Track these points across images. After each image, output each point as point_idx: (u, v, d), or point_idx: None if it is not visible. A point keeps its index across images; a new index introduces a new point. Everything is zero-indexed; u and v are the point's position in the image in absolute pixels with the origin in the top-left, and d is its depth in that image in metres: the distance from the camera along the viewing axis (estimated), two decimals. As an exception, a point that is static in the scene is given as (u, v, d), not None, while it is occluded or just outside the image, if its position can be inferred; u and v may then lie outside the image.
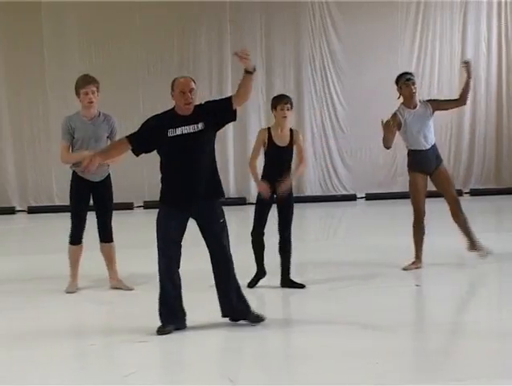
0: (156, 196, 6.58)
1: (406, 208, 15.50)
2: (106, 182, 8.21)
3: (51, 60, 15.84)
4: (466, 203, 16.46)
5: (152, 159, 6.82)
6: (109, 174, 8.25)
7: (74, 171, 8.05)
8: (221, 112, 6.50)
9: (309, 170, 16.80)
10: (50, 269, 8.71)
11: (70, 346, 6.21)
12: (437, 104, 9.05)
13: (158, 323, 6.42)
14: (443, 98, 10.07)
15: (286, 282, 8.13)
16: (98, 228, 8.19)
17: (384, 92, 16.45)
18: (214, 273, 6.59)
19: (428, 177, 9.06)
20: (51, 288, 8.21)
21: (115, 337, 6.34)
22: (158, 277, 6.48)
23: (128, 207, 15.49)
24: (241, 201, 16.22)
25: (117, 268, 8.27)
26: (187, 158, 6.36)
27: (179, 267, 6.50)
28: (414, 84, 8.92)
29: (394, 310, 7.06)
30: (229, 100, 6.51)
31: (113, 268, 8.26)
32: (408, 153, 9.07)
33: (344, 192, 16.75)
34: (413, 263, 8.95)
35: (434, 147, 8.99)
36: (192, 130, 6.36)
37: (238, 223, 12.99)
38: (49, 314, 7.39)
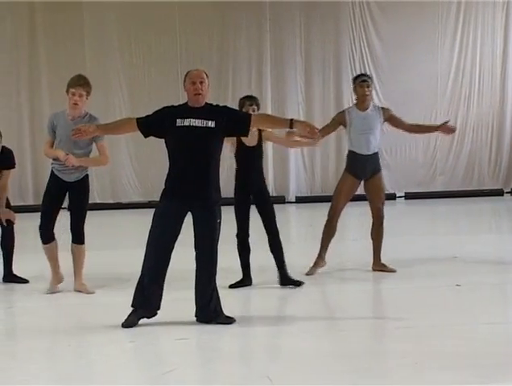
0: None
1: (446, 208, 15.52)
2: (82, 184, 8.06)
3: (92, 58, 16.03)
4: (506, 202, 16.51)
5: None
6: (86, 176, 8.09)
7: (52, 170, 8.02)
8: (237, 122, 6.60)
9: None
10: (93, 267, 8.75)
11: (110, 344, 6.24)
12: (390, 117, 8.79)
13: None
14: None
15: (285, 280, 8.06)
16: (70, 229, 8.11)
17: (424, 91, 16.46)
18: (197, 271, 6.58)
19: (363, 182, 8.83)
20: (91, 285, 8.27)
21: (153, 334, 6.37)
22: (141, 269, 6.52)
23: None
24: (280, 200, 16.23)
25: (82, 272, 8.16)
26: (190, 150, 6.40)
27: (167, 267, 6.54)
28: (368, 86, 8.71)
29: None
30: (248, 116, 6.75)
31: (79, 271, 8.15)
32: (347, 154, 8.90)
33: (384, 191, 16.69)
34: (315, 264, 8.77)
35: (375, 156, 8.77)
36: (200, 124, 6.42)
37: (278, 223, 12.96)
38: (88, 311, 7.47)
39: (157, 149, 15.62)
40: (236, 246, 8.15)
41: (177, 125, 6.43)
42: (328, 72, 16.71)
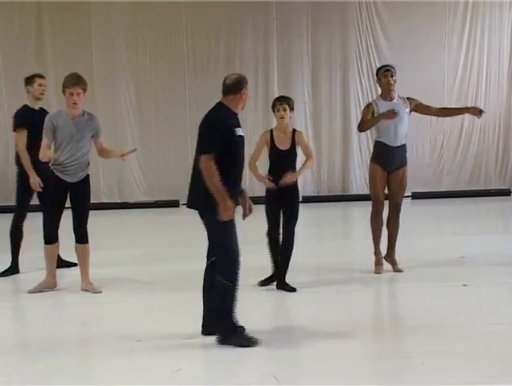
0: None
1: (452, 208, 15.49)
2: (84, 184, 8.12)
3: (99, 57, 16.04)
4: (513, 202, 16.51)
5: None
6: (87, 175, 8.17)
7: (53, 172, 8.01)
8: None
9: (355, 169, 16.78)
10: (100, 266, 8.76)
11: (117, 343, 6.25)
12: (417, 105, 8.85)
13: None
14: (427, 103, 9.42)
15: (281, 284, 8.05)
16: (73, 229, 8.14)
17: (431, 90, 16.40)
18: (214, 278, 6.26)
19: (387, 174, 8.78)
20: (98, 285, 8.28)
21: (160, 334, 6.38)
22: (228, 282, 6.15)
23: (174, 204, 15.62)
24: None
25: (88, 271, 8.20)
26: (242, 157, 6.39)
27: None
28: (392, 75, 8.70)
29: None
30: None
31: (85, 270, 8.18)
32: (374, 145, 8.89)
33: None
34: (389, 262, 8.85)
35: (402, 148, 8.75)
36: (242, 133, 6.39)
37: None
38: (95, 310, 7.48)
39: (163, 148, 15.71)
40: (267, 244, 8.18)
41: (237, 134, 6.30)
42: (335, 72, 16.68)
